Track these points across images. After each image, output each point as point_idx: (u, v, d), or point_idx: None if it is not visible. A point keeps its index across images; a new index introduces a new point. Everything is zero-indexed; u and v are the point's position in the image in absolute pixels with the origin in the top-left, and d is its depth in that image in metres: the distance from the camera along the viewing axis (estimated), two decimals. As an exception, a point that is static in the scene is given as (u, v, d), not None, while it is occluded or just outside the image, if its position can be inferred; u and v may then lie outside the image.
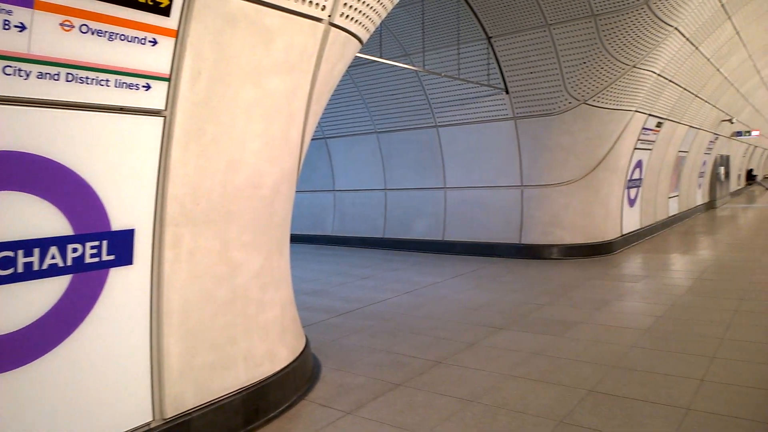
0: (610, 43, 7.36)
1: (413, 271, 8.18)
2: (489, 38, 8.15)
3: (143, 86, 2.46)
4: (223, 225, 3.02)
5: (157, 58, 2.47)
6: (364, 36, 3.80)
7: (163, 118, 2.57)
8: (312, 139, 11.68)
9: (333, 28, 3.32)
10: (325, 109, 11.02)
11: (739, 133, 18.45)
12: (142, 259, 2.61)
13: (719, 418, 2.98)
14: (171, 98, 2.58)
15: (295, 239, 12.22)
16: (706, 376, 3.59)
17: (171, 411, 2.72)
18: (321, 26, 3.21)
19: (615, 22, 7.10)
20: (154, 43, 2.45)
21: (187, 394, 2.81)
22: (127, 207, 2.52)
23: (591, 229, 9.07)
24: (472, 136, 9.47)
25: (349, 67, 9.81)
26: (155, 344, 2.68)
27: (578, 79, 7.87)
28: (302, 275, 8.16)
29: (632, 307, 5.67)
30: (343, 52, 3.62)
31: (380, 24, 8.47)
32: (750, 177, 29.67)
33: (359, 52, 5.97)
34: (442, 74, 7.06)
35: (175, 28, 2.50)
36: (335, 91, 10.42)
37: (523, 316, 5.37)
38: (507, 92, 8.58)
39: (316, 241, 12.09)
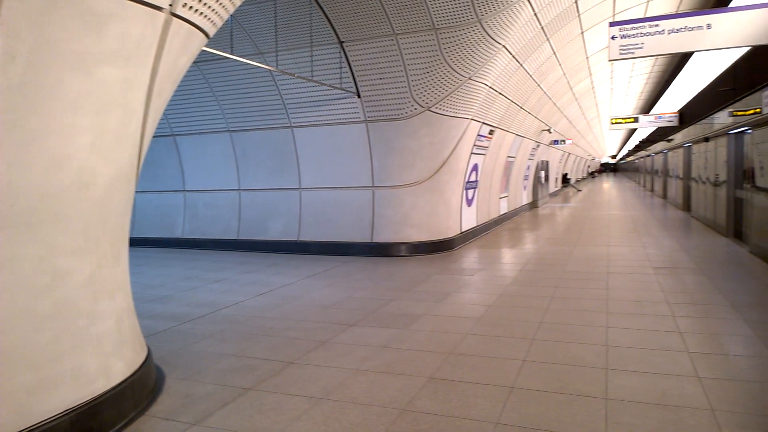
0: (449, 56, 7.99)
1: (268, 273, 8.06)
2: (341, 43, 8.33)
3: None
4: (46, 229, 2.70)
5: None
6: (211, 29, 3.66)
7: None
8: (159, 136, 10.99)
9: (175, 19, 3.15)
10: (174, 105, 10.45)
11: (556, 142, 21.17)
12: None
13: (537, 393, 3.43)
14: (-23, 85, 2.25)
15: (140, 243, 11.36)
16: (527, 356, 4.10)
17: (-19, 443, 2.38)
18: (161, 15, 3.03)
19: (453, 37, 7.73)
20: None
21: (5, 420, 2.48)
22: None
23: (435, 228, 9.76)
24: (326, 137, 9.60)
25: (199, 62, 9.44)
26: (-41, 368, 2.32)
27: (423, 88, 8.42)
28: (147, 281, 7.61)
29: (468, 298, 6.23)
30: (186, 44, 3.45)
31: (231, 20, 8.27)
32: (565, 180, 34.17)
33: (209, 47, 5.73)
34: (296, 75, 7.07)
35: (-19, 6, 2.18)
36: (185, 86, 9.93)
37: (373, 312, 5.61)
38: (359, 96, 8.86)
39: (165, 244, 11.31)
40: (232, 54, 5.99)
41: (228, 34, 8.49)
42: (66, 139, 2.75)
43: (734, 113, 8.98)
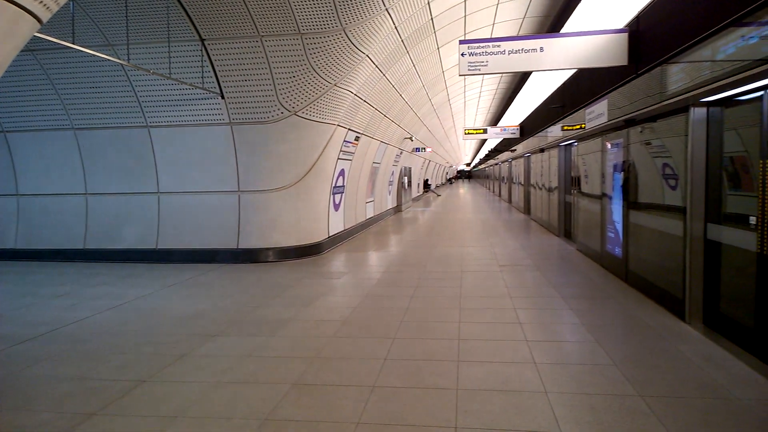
0: (315, 61, 8.06)
1: (121, 285, 7.43)
2: (203, 40, 7.98)
3: None
4: None
5: None
6: (43, 14, 3.29)
7: None
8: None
9: (-2, 0, 2.80)
10: (4, 98, 9.14)
11: (417, 149, 22.32)
12: None
13: (397, 390, 3.63)
14: None
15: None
16: (389, 355, 4.30)
17: None
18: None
19: (318, 43, 7.82)
20: None
21: None
22: None
23: (303, 232, 9.76)
24: (188, 139, 9.12)
25: (36, 50, 8.46)
26: None
27: (289, 92, 8.38)
28: (-37, 300, 6.58)
29: (334, 301, 6.34)
30: (12, 28, 3.07)
31: (73, 5, 7.47)
32: (426, 186, 36.15)
33: (44, 34, 5.13)
34: (151, 71, 6.61)
35: None
36: (17, 77, 8.82)
37: (237, 320, 5.46)
38: (223, 97, 8.55)
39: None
40: (74, 44, 5.44)
41: (69, 21, 7.68)
42: None
43: (564, 128, 10.26)
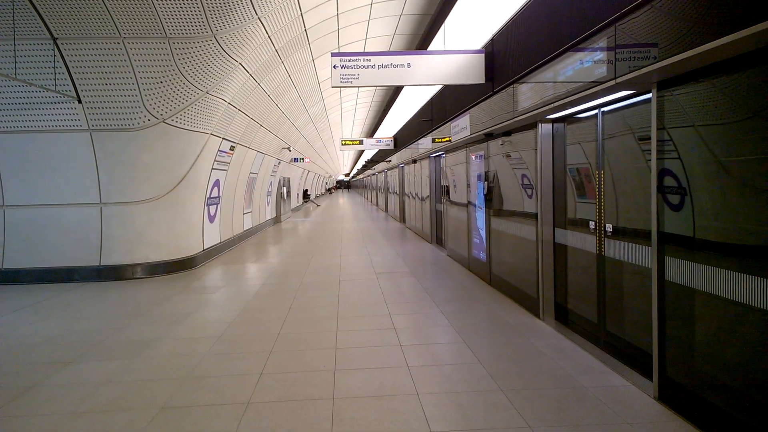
0: (185, 68, 7.72)
1: (-54, 312, 6.45)
2: (55, 39, 7.26)
3: None
4: None
5: None
6: None
7: None
8: None
9: None
10: None
11: (296, 160, 22.19)
12: None
13: (272, 405, 3.60)
14: None
15: None
16: (264, 369, 4.25)
17: None
18: None
19: (188, 48, 7.50)
20: None
21: None
22: None
23: (175, 246, 9.23)
24: (39, 146, 8.20)
25: None
26: None
27: (156, 98, 7.92)
28: None
29: (209, 316, 6.09)
30: None
31: None
32: (305, 196, 36.00)
33: None
34: (-12, 70, 5.89)
35: None
36: None
37: (97, 344, 5.03)
38: (80, 101, 7.83)
39: None
40: None
41: None
42: None
43: (433, 140, 10.89)
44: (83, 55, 7.47)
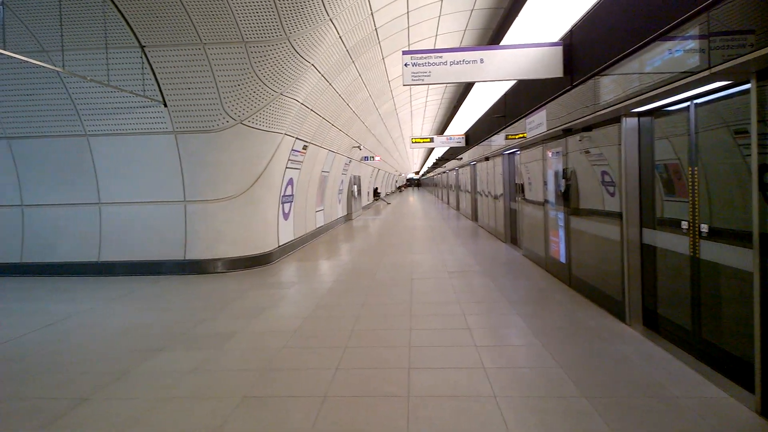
0: (260, 70, 7.98)
1: (58, 300, 7.07)
2: (143, 47, 7.74)
3: None
4: None
5: None
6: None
7: None
8: None
9: None
10: None
11: (366, 158, 22.43)
12: None
13: (348, 399, 3.62)
14: None
15: None
16: (340, 365, 4.29)
17: None
18: None
19: (263, 52, 7.75)
20: None
21: None
22: None
23: (251, 242, 9.58)
24: (130, 148, 8.79)
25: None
26: None
27: (234, 100, 8.25)
28: None
29: (285, 311, 6.26)
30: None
31: (3, 10, 7.08)
32: (376, 194, 36.32)
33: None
34: (88, 78, 6.33)
35: None
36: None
37: (182, 333, 5.30)
38: (165, 105, 8.31)
39: None
40: (4, 49, 5.15)
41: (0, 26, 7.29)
42: None
43: (507, 137, 10.60)
44: (168, 62, 7.90)
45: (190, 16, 7.23)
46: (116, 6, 7.19)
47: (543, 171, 8.22)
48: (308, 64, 8.60)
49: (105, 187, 9.06)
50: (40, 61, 6.48)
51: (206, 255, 9.06)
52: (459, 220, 19.22)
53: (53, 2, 7.17)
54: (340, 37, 8.87)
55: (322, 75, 9.81)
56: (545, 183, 8.09)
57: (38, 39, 7.71)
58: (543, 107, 7.70)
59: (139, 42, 7.69)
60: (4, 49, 5.15)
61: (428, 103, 21.15)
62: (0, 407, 3.60)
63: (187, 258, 9.03)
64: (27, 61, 5.90)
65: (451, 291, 7.00)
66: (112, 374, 4.19)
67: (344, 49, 9.68)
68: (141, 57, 7.86)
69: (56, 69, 5.79)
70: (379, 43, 10.88)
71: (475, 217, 18.17)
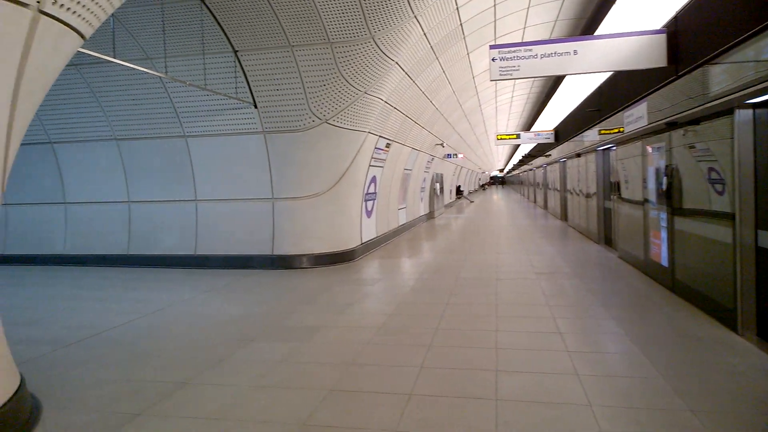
0: (345, 70, 8.10)
1: (161, 289, 7.60)
2: (236, 52, 8.13)
3: None
4: None
5: None
6: (86, 30, 3.41)
7: None
8: (34, 144, 9.96)
9: (44, 17, 2.90)
10: (51, 110, 9.58)
11: (449, 155, 22.19)
12: None
13: (434, 399, 3.56)
14: None
15: (11, 261, 10.19)
16: (425, 363, 4.24)
17: None
18: (27, 13, 2.77)
19: (348, 51, 7.86)
20: None
21: None
22: None
23: (336, 239, 9.78)
24: (223, 148, 9.29)
25: (79, 65, 8.74)
26: None
27: (320, 100, 8.45)
28: (20, 303, 6.90)
29: (369, 307, 6.31)
30: (58, 45, 3.18)
31: (113, 21, 7.73)
32: (458, 192, 35.90)
33: (88, 49, 5.31)
34: (188, 83, 6.76)
35: None
36: (63, 90, 9.14)
37: (272, 325, 5.49)
38: (256, 107, 8.68)
39: (42, 261, 10.32)
40: (114, 58, 5.60)
41: (109, 36, 7.94)
42: None
43: (601, 132, 10.01)
44: (259, 65, 8.23)
45: (279, 21, 7.48)
46: (213, 15, 7.60)
47: (642, 168, 7.66)
48: (392, 62, 8.61)
49: (200, 184, 9.63)
50: (146, 67, 6.98)
51: (293, 251, 9.36)
52: (547, 219, 18.51)
53: (157, 13, 7.72)
54: (424, 33, 8.81)
55: (406, 72, 9.80)
56: (644, 181, 7.54)
57: (143, 47, 8.33)
58: (643, 99, 7.18)
59: (232, 47, 8.08)
60: (114, 58, 5.59)
61: (514, 98, 20.54)
62: (111, 388, 3.90)
63: (274, 253, 9.38)
64: (134, 68, 6.40)
65: (540, 293, 6.72)
66: (208, 361, 4.42)
67: (428, 46, 9.60)
68: (234, 61, 8.26)
69: (159, 75, 6.22)
70: (464, 38, 10.69)
71: (564, 217, 17.41)
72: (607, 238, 11.07)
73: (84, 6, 3.18)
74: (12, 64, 2.85)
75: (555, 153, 18.46)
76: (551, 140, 18.69)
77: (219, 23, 7.74)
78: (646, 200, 7.51)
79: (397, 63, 8.85)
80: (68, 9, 3.05)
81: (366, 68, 8.23)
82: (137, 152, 9.76)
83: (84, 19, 3.27)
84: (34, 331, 5.55)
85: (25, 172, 10.34)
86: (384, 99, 9.74)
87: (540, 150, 23.29)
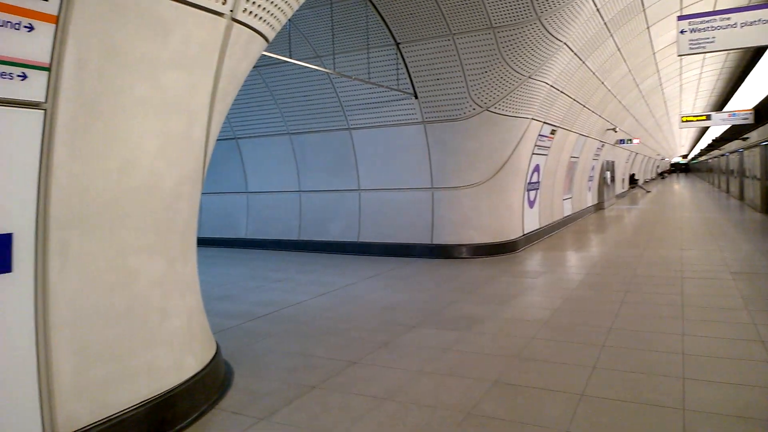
0: (508, 55, 7.80)
1: (328, 273, 8.15)
2: (398, 44, 8.33)
3: (18, 75, 2.24)
4: (117, 230, 2.81)
5: (34, 45, 2.27)
6: (270, 34, 3.74)
7: (43, 111, 2.36)
8: (222, 139, 11.41)
9: (236, 24, 3.23)
10: (236, 109, 10.83)
11: (622, 141, 20.27)
12: (24, 266, 2.37)
13: (609, 402, 3.25)
14: (52, 90, 2.37)
15: (205, 242, 11.83)
16: (597, 363, 3.90)
17: (64, 431, 2.50)
18: (222, 21, 3.12)
19: (512, 35, 7.54)
20: (30, 28, 2.24)
21: (82, 412, 2.60)
22: (1, 209, 2.29)
23: (497, 229, 9.55)
24: (384, 138, 9.62)
25: (259, 66, 9.73)
26: (43, 361, 2.45)
27: (481, 87, 8.26)
28: (213, 280, 7.88)
29: (533, 301, 6.03)
30: (247, 49, 3.53)
31: (289, 24, 8.45)
32: (632, 181, 32.68)
33: (268, 51, 5.87)
34: (353, 77, 7.12)
35: (55, 13, 2.30)
36: (245, 90, 10.26)
37: (434, 313, 5.53)
38: (416, 97, 8.82)
39: (229, 244, 11.74)
40: (290, 58, 6.11)
41: (286, 39, 8.68)
42: (135, 143, 2.86)
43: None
44: (419, 56, 8.32)
45: (441, 9, 7.47)
46: (376, 9, 7.86)
47: None
48: (560, 43, 8.08)
49: (363, 174, 10.08)
50: (316, 65, 7.49)
51: (452, 240, 9.34)
52: (743, 212, 15.96)
53: (326, 13, 8.23)
54: (597, 9, 8.11)
55: (575, 53, 9.13)
56: None
57: (313, 46, 8.96)
58: None
59: (395, 39, 8.29)
60: (290, 58, 6.09)
61: (703, 74, 18.01)
62: (290, 360, 4.27)
63: (434, 242, 9.46)
64: (307, 66, 6.92)
65: (737, 295, 5.79)
66: (375, 343, 4.60)
67: (601, 22, 8.83)
68: (396, 54, 8.46)
69: (327, 71, 6.61)
70: (643, 10, 9.62)
71: (765, 209, 14.83)
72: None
73: (269, 12, 3.49)
74: (210, 68, 3.23)
75: (754, 135, 15.78)
76: (750, 121, 16.01)
77: (382, 17, 7.99)
78: None
79: (565, 44, 8.28)
80: (256, 15, 3.38)
81: (531, 52, 7.84)
82: (307, 145, 10.56)
83: (269, 24, 3.59)
84: (224, 305, 6.31)
85: (217, 165, 11.85)
86: (550, 83, 9.21)
87: (734, 132, 20.09)
